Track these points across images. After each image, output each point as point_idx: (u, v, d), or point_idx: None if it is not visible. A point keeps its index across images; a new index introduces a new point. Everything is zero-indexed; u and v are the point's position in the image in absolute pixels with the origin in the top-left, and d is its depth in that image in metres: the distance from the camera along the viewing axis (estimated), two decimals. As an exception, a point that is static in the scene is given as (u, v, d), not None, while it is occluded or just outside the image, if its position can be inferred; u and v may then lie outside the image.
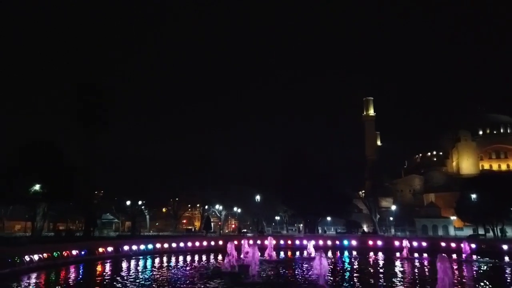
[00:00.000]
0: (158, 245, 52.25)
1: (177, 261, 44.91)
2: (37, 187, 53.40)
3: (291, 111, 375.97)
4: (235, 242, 41.88)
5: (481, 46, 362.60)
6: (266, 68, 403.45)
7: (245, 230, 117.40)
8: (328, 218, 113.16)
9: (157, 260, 44.09)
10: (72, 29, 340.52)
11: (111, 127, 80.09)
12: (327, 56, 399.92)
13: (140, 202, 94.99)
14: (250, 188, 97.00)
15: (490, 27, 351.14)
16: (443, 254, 21.51)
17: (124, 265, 40.10)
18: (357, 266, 42.18)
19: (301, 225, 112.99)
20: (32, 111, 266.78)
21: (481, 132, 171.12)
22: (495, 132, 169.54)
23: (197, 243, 56.74)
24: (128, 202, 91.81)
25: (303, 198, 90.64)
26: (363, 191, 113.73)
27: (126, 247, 47.45)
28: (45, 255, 35.26)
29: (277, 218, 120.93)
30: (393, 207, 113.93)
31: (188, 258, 47.60)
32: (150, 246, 50.71)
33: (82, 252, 40.76)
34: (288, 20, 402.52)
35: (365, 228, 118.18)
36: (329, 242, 63.82)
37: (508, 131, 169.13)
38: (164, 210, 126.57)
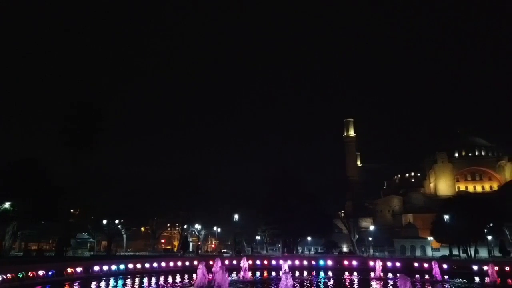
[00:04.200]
0: (130, 266, 51.17)
1: (149, 282, 44.07)
2: (7, 205, 52.01)
3: (277, 133, 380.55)
4: (211, 263, 41.53)
5: (463, 72, 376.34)
6: (251, 89, 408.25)
7: (225, 250, 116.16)
8: (309, 238, 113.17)
9: (128, 281, 43.20)
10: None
11: (101, 147, 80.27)
12: (314, 79, 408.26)
13: (117, 221, 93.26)
14: (231, 207, 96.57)
15: (471, 53, 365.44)
16: (402, 274, 22.01)
17: (93, 286, 39.16)
18: (325, 286, 42.31)
19: (280, 245, 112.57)
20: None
21: (457, 154, 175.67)
22: (470, 154, 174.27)
23: (171, 263, 55.85)
24: (104, 221, 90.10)
25: (287, 218, 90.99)
26: (342, 211, 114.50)
27: (96, 268, 46.35)
28: (9, 275, 34.21)
29: (258, 238, 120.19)
30: (372, 227, 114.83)
31: (161, 279, 46.79)
32: (122, 267, 49.61)
33: (50, 273, 39.64)
34: (277, 41, 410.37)
35: (345, 248, 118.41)
36: (305, 262, 63.71)
37: (483, 153, 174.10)
38: (143, 229, 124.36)
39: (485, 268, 48.71)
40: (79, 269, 43.48)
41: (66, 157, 72.88)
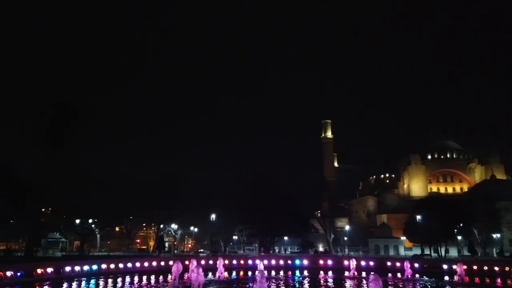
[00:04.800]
0: (104, 266, 50.00)
1: (123, 282, 43.25)
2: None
3: (256, 134, 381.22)
4: (187, 263, 41.09)
5: (437, 76, 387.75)
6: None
7: (201, 250, 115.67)
8: (285, 238, 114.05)
9: (101, 282, 42.26)
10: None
11: (80, 147, 79.03)
12: (301, 79, 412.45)
13: (90, 221, 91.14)
14: (208, 208, 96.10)
15: (446, 57, 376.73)
16: (375, 273, 22.48)
17: (64, 287, 38.10)
18: (301, 285, 42.76)
19: (257, 244, 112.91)
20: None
21: (430, 157, 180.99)
22: (442, 156, 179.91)
23: (146, 264, 54.93)
24: (77, 221, 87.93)
25: (263, 218, 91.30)
26: (319, 211, 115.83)
27: (68, 268, 45.05)
28: (-26, 276, 32.86)
29: (235, 237, 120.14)
30: (347, 227, 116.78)
31: (136, 279, 46.00)
32: (95, 267, 48.42)
33: (18, 274, 38.29)
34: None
35: (321, 248, 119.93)
36: (281, 262, 64.10)
37: (455, 156, 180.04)
38: (117, 229, 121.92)
39: (454, 267, 50.33)
40: (49, 270, 42.19)
41: (40, 157, 71.36)
